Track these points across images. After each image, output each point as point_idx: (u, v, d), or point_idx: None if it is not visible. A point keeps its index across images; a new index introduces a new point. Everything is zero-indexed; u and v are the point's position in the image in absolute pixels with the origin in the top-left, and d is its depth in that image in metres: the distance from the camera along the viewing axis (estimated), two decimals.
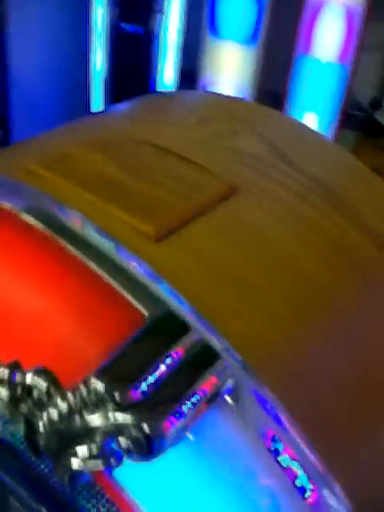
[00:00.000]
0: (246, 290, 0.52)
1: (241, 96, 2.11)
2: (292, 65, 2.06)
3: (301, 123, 0.81)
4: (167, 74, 2.24)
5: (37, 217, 0.57)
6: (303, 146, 0.74)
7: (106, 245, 0.51)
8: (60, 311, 0.48)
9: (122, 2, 2.09)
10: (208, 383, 0.44)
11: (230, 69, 2.13)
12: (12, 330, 0.49)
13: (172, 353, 0.44)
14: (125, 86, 2.26)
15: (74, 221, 0.54)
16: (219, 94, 0.92)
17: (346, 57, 2.00)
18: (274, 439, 0.45)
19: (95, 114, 0.84)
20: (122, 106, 0.88)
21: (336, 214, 0.65)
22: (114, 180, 0.58)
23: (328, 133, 2.18)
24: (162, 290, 0.48)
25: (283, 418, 0.44)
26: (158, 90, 2.24)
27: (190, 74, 2.25)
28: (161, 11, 2.12)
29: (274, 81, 2.18)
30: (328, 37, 2.00)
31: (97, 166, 0.60)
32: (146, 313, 0.48)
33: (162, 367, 0.43)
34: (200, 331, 0.47)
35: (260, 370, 0.45)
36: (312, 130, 0.79)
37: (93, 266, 0.51)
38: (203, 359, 0.46)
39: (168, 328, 0.46)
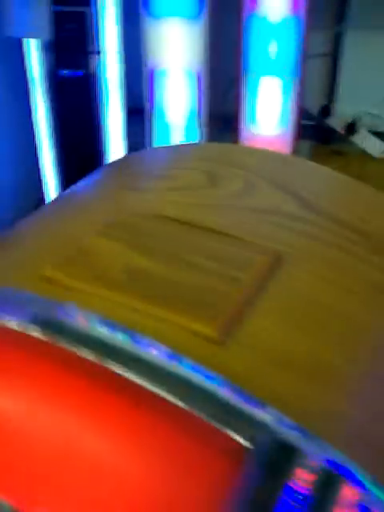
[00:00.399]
0: (329, 375, 0.46)
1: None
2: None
3: (304, 160, 0.75)
4: (114, 113, 2.17)
5: (62, 334, 0.48)
6: (320, 186, 0.69)
7: (159, 358, 0.43)
8: (138, 459, 0.40)
9: (57, 47, 2.02)
10: None
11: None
12: (74, 487, 0.41)
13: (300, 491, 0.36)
14: (72, 132, 2.18)
15: (114, 334, 0.46)
16: (209, 144, 0.86)
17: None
18: None
19: (78, 184, 0.76)
20: (106, 172, 0.81)
21: (375, 257, 0.59)
22: (147, 273, 0.50)
23: (287, 145, 2.14)
24: (248, 406, 0.41)
25: None
26: (107, 130, 2.16)
27: (138, 110, 2.19)
28: (98, 52, 2.05)
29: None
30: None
31: (120, 257, 0.53)
32: (241, 440, 0.40)
33: None
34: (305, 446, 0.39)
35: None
36: (319, 166, 0.74)
37: (152, 387, 0.43)
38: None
39: (276, 454, 0.39)
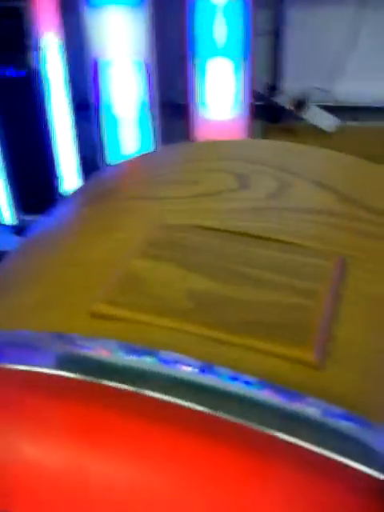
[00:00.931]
0: None
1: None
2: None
3: (321, 149, 0.71)
4: (60, 111, 2.08)
5: (146, 382, 0.41)
6: (353, 176, 0.65)
7: (270, 398, 0.38)
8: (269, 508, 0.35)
9: None
10: None
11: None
12: None
13: None
14: (17, 135, 2.08)
15: (206, 374, 0.40)
16: (215, 142, 0.80)
17: None
18: None
19: (72, 199, 0.69)
20: (104, 182, 0.75)
21: None
22: (212, 295, 0.45)
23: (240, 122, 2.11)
24: (369, 434, 0.37)
25: None
26: (54, 131, 2.07)
27: (85, 104, 2.11)
28: (37, 48, 1.95)
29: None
30: None
31: (177, 280, 0.47)
32: (374, 473, 0.36)
33: None
34: None
35: None
36: (345, 156, 0.70)
37: (270, 430, 0.37)
38: None
39: None
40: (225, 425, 0.35)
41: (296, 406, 0.36)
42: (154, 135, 2.12)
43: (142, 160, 0.80)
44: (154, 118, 2.09)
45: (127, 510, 0.37)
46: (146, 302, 0.44)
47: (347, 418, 0.37)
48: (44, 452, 0.38)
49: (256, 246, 0.50)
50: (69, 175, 2.16)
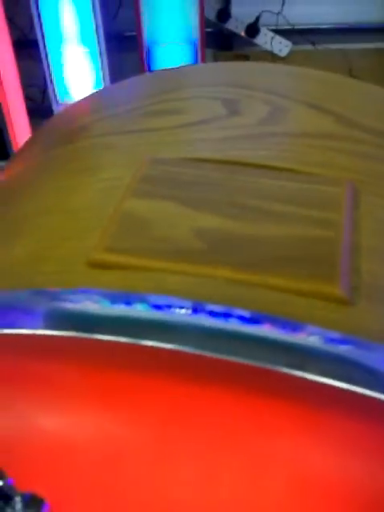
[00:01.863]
0: None
1: None
2: None
3: (319, 72, 0.66)
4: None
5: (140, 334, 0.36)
6: (347, 97, 0.60)
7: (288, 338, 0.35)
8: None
9: None
10: None
11: None
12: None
13: None
14: None
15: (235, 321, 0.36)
16: (200, 66, 0.74)
17: None
18: None
19: (39, 136, 0.63)
20: (75, 116, 0.68)
21: None
22: (224, 233, 0.41)
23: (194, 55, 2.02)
24: None
25: None
26: None
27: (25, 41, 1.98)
28: None
29: None
30: None
31: (181, 219, 0.43)
32: None
33: None
34: None
35: None
36: (331, 74, 0.65)
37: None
38: None
39: None
40: (235, 368, 0.32)
41: (300, 339, 0.33)
42: (103, 69, 2.01)
43: (106, 94, 0.74)
44: (102, 52, 1.98)
45: (155, 473, 0.33)
46: (150, 245, 0.39)
47: (356, 344, 0.34)
48: (59, 419, 0.34)
49: (260, 176, 0.46)
50: (18, 119, 2.05)
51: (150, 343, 0.32)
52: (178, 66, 0.68)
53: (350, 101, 0.59)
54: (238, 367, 0.32)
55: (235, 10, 2.28)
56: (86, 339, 0.33)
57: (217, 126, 0.54)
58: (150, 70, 2.02)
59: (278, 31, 2.26)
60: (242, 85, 0.61)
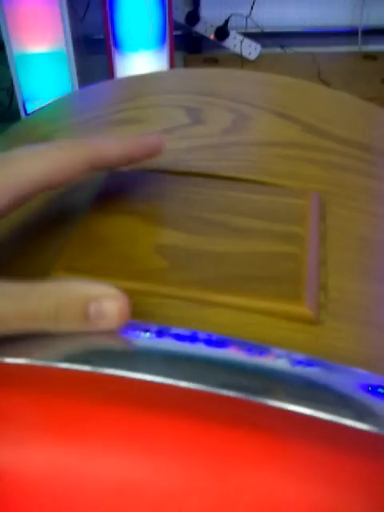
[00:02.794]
0: None
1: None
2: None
3: (278, 76, 0.65)
4: None
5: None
6: (314, 105, 0.59)
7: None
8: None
9: None
10: None
11: None
12: None
13: None
14: None
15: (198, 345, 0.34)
16: (157, 73, 0.72)
17: None
18: None
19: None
20: (42, 125, 0.66)
21: None
22: (187, 250, 0.39)
23: (163, 57, 2.01)
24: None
25: None
26: None
27: None
28: None
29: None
30: None
31: (142, 236, 0.41)
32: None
33: None
34: None
35: None
36: (299, 81, 0.64)
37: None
38: None
39: None
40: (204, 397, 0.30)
41: (265, 361, 0.31)
42: (72, 73, 1.99)
43: (66, 102, 0.71)
44: (70, 55, 1.95)
45: (114, 506, 0.31)
46: (111, 264, 0.37)
47: (324, 366, 0.32)
48: (10, 452, 0.32)
49: (222, 189, 0.44)
50: None
51: (107, 371, 0.30)
52: (142, 73, 0.66)
53: (318, 108, 0.58)
54: (201, 393, 0.30)
55: (204, 12, 2.27)
56: (38, 366, 0.31)
57: (179, 136, 0.52)
58: (118, 73, 2.00)
59: (247, 34, 2.26)
60: (205, 92, 0.59)
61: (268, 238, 0.40)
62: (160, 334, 0.32)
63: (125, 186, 0.45)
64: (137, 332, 0.32)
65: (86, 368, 0.30)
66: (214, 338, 0.32)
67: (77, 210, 0.44)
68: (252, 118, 0.54)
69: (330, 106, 0.59)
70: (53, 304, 0.29)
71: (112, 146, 0.37)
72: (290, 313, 0.35)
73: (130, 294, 0.36)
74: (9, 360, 0.30)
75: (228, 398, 0.29)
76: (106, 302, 0.30)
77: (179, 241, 0.40)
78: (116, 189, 0.45)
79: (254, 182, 0.46)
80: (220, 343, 0.32)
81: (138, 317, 0.35)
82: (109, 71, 1.99)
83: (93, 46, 2.12)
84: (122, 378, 0.30)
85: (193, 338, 0.32)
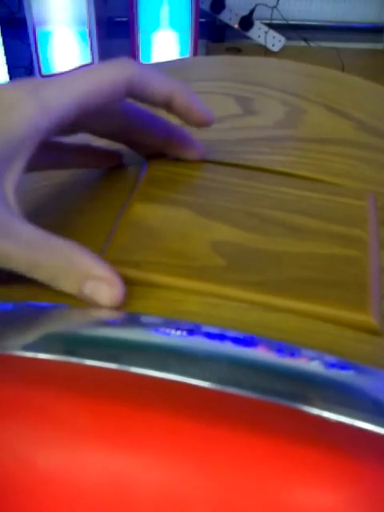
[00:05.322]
0: None
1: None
2: None
3: (328, 70, 0.62)
4: None
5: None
6: (366, 102, 0.57)
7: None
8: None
9: None
10: None
11: None
12: None
13: None
14: None
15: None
16: (209, 59, 0.70)
17: None
18: None
19: None
20: None
21: None
22: (244, 249, 0.37)
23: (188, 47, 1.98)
24: None
25: None
26: None
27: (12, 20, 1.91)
28: None
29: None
30: None
31: (195, 230, 0.38)
32: None
33: None
34: None
35: None
36: (350, 76, 0.62)
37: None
38: None
39: None
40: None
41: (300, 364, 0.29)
42: (94, 54, 1.96)
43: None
44: (92, 36, 1.92)
45: None
46: (165, 260, 0.35)
47: (353, 368, 0.30)
48: (59, 458, 0.30)
49: (279, 185, 0.42)
50: None
51: (135, 370, 0.28)
52: (179, 58, 0.63)
53: (370, 105, 0.55)
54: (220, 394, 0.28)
55: (230, 1, 2.23)
56: (79, 365, 0.28)
57: (230, 126, 0.49)
58: (141, 57, 1.97)
59: (271, 25, 2.22)
60: (256, 82, 0.57)
61: (328, 240, 0.38)
62: (191, 332, 0.30)
63: (173, 175, 0.42)
64: (168, 329, 0.30)
65: (113, 366, 0.27)
66: (242, 337, 0.30)
67: (118, 195, 0.42)
68: (305, 112, 0.52)
69: (381, 102, 0.57)
70: (56, 266, 0.30)
71: (156, 78, 0.35)
72: (354, 321, 0.33)
73: (185, 293, 0.34)
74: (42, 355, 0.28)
75: (238, 398, 0.27)
76: (103, 285, 0.31)
77: (236, 238, 0.37)
78: (164, 177, 0.42)
79: (312, 179, 0.43)
80: (248, 342, 0.30)
81: (194, 317, 0.33)
82: (130, 55, 1.96)
83: (116, 28, 2.08)
84: (153, 379, 0.28)
85: (222, 337, 0.30)
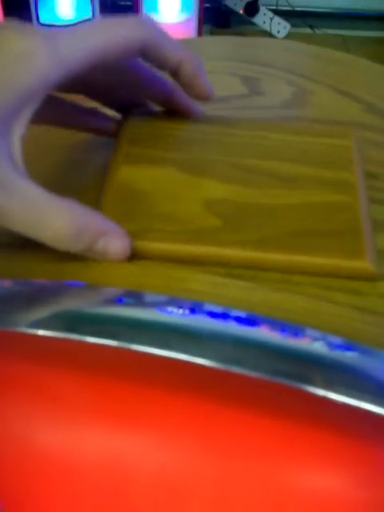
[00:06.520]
0: None
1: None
2: None
3: (337, 53, 0.61)
4: None
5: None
6: (376, 85, 0.56)
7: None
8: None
9: None
10: None
11: None
12: None
13: None
14: None
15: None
16: (216, 38, 0.68)
17: None
18: None
19: None
20: None
21: None
22: (235, 205, 0.36)
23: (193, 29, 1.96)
24: None
25: None
26: None
27: None
28: None
29: None
30: None
31: (183, 191, 0.37)
32: None
33: None
34: None
35: None
36: (359, 59, 0.61)
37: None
38: None
39: None
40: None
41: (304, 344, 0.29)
42: None
43: None
44: (96, 19, 1.90)
45: (169, 499, 0.29)
46: (159, 226, 0.34)
47: (357, 350, 0.30)
48: (60, 436, 0.30)
49: (259, 129, 0.41)
50: None
51: (135, 347, 0.27)
52: (186, 38, 0.62)
53: (380, 88, 0.54)
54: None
55: None
56: (80, 342, 0.28)
57: (236, 106, 0.49)
58: None
59: (277, 12, 2.20)
60: (261, 62, 0.56)
61: (319, 187, 0.37)
62: (193, 310, 0.30)
63: (154, 130, 0.41)
64: (170, 308, 0.30)
65: (113, 343, 0.27)
66: (245, 316, 0.30)
67: (100, 158, 0.41)
68: (312, 93, 0.51)
69: (366, 73, 0.56)
70: (63, 226, 0.30)
71: (169, 43, 0.35)
72: (353, 270, 0.33)
73: (185, 257, 0.33)
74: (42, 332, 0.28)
75: (243, 378, 0.27)
76: (113, 239, 0.32)
77: (227, 194, 0.36)
78: (145, 134, 0.41)
79: (302, 129, 0.42)
80: (251, 322, 0.29)
81: (199, 296, 0.32)
82: None
83: (119, 12, 2.06)
84: (155, 357, 0.27)
85: (225, 316, 0.29)
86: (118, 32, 0.32)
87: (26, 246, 0.33)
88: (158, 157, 0.38)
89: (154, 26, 0.34)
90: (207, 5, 2.16)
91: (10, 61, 0.29)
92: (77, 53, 0.30)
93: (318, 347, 0.29)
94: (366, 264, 0.33)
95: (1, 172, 0.28)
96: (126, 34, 0.32)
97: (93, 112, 0.40)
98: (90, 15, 1.87)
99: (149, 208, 0.35)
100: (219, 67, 0.55)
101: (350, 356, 0.29)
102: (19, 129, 0.30)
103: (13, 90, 0.29)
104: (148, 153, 0.39)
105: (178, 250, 0.33)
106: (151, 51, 0.34)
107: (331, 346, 0.29)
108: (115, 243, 0.32)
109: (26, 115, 0.30)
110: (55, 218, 0.29)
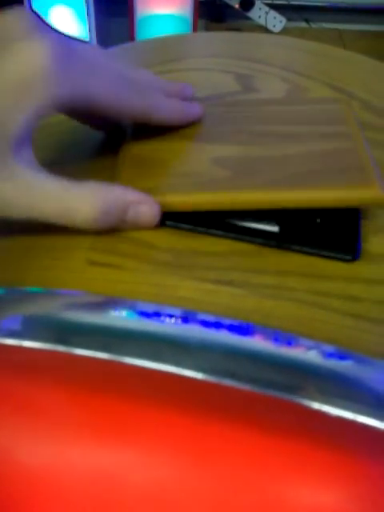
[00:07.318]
0: None
1: None
2: None
3: (333, 49, 0.60)
4: None
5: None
6: (372, 81, 0.55)
7: None
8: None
9: None
10: None
11: None
12: None
13: None
14: None
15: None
16: (209, 34, 0.67)
17: None
18: None
19: None
20: None
21: None
22: (244, 158, 0.37)
23: (188, 25, 1.94)
24: None
25: None
26: None
27: None
28: None
29: None
30: None
31: (193, 154, 0.39)
32: None
33: None
34: None
35: None
36: (355, 54, 0.60)
37: None
38: None
39: None
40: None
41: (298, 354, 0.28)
42: (91, 34, 1.92)
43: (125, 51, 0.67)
44: (90, 14, 1.89)
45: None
46: (174, 181, 0.36)
47: (352, 358, 0.29)
48: (44, 452, 0.29)
49: (261, 105, 0.43)
50: None
51: (128, 361, 0.26)
52: (178, 34, 0.61)
53: (375, 84, 0.53)
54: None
55: None
56: (72, 357, 0.27)
57: (230, 102, 0.48)
58: (139, 37, 1.94)
59: (272, 6, 2.19)
60: (255, 59, 0.55)
61: (321, 139, 0.39)
62: (185, 319, 0.29)
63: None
64: (162, 317, 0.29)
65: (104, 356, 0.26)
66: (238, 324, 0.29)
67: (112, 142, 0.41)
68: (307, 90, 0.50)
69: (359, 69, 0.55)
70: (89, 210, 0.32)
71: (161, 113, 0.38)
72: (365, 198, 0.34)
73: (201, 206, 0.35)
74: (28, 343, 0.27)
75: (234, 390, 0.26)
76: (143, 207, 0.34)
77: (234, 152, 0.38)
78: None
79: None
80: (244, 331, 0.28)
81: (190, 304, 0.31)
82: (129, 34, 1.93)
83: (113, 6, 2.05)
84: (147, 370, 0.26)
85: (218, 325, 0.29)
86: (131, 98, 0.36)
87: (15, 253, 0.33)
88: (166, 132, 0.40)
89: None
90: None
91: (18, 82, 0.30)
92: (89, 89, 0.33)
93: (312, 357, 0.28)
94: (377, 191, 0.34)
95: (24, 175, 0.31)
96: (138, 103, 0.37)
97: None
98: (83, 5, 1.86)
99: (162, 169, 0.37)
100: (212, 64, 0.54)
101: (344, 366, 0.28)
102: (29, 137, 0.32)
103: (23, 114, 0.31)
104: (156, 130, 0.40)
105: (194, 200, 0.35)
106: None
107: (325, 355, 0.28)
108: (144, 209, 0.34)
109: (34, 125, 0.32)
110: (80, 205, 0.31)
